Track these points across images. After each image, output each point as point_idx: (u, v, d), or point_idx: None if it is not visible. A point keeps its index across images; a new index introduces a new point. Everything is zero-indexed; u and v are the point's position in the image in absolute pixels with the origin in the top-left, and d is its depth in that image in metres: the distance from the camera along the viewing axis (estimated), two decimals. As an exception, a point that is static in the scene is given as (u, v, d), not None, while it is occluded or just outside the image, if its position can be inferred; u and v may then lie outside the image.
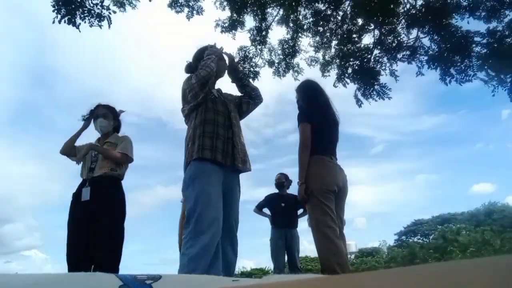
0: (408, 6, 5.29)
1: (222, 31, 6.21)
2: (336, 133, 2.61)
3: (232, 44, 6.43)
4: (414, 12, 5.12)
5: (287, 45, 6.39)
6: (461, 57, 4.69)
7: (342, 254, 2.21)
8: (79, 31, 3.99)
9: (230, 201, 1.97)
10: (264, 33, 6.27)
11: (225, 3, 6.08)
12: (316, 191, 2.27)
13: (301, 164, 2.37)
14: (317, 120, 2.45)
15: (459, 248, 15.84)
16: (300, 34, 6.33)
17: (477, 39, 4.67)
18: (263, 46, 6.40)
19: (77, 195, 2.51)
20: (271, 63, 6.49)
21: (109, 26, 4.20)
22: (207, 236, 1.66)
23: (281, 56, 6.46)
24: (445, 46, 4.75)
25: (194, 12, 5.96)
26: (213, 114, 2.03)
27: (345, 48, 5.90)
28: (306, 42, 6.51)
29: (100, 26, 4.15)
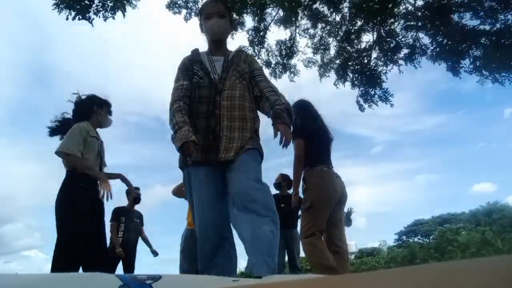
0: (409, 6, 5.30)
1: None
2: (330, 148, 2.81)
3: (231, 44, 6.43)
4: (414, 11, 5.12)
5: (284, 46, 6.40)
6: (467, 49, 4.68)
7: (327, 258, 2.38)
8: (92, 25, 4.00)
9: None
10: (262, 33, 6.26)
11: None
12: (316, 202, 2.48)
13: (296, 177, 2.63)
14: (310, 135, 2.65)
15: (459, 248, 15.85)
16: (298, 35, 6.33)
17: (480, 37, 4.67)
18: (261, 47, 6.40)
19: (90, 192, 2.43)
20: (268, 64, 6.48)
21: (124, 15, 4.18)
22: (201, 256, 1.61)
23: (278, 58, 6.46)
24: (450, 41, 4.74)
25: (192, 13, 5.95)
26: (192, 108, 1.71)
27: (344, 52, 5.90)
28: (303, 43, 6.52)
29: (114, 18, 4.15)
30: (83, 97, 2.67)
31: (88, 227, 2.33)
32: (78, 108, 2.62)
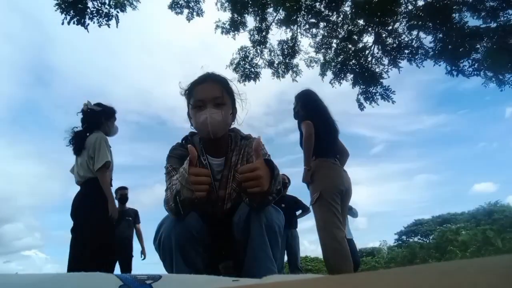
0: (409, 6, 5.29)
1: (222, 32, 6.21)
2: (336, 139, 2.71)
3: (233, 44, 6.44)
4: (415, 11, 5.11)
5: (286, 46, 6.40)
6: (467, 51, 4.67)
7: (347, 255, 2.27)
8: (88, 31, 4.01)
9: None
10: (264, 33, 6.27)
11: (226, 3, 6.07)
12: (325, 192, 2.36)
13: (306, 150, 2.47)
14: (317, 123, 2.55)
15: (459, 248, 15.85)
16: (300, 35, 6.34)
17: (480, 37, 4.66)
18: (263, 47, 6.41)
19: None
20: (270, 64, 6.49)
21: (117, 25, 4.21)
22: None
23: (280, 57, 6.47)
24: (451, 39, 4.74)
25: (194, 13, 5.96)
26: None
27: (345, 49, 5.91)
28: (305, 42, 6.53)
29: (109, 25, 4.16)
30: (91, 106, 2.68)
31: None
32: (88, 119, 2.65)
